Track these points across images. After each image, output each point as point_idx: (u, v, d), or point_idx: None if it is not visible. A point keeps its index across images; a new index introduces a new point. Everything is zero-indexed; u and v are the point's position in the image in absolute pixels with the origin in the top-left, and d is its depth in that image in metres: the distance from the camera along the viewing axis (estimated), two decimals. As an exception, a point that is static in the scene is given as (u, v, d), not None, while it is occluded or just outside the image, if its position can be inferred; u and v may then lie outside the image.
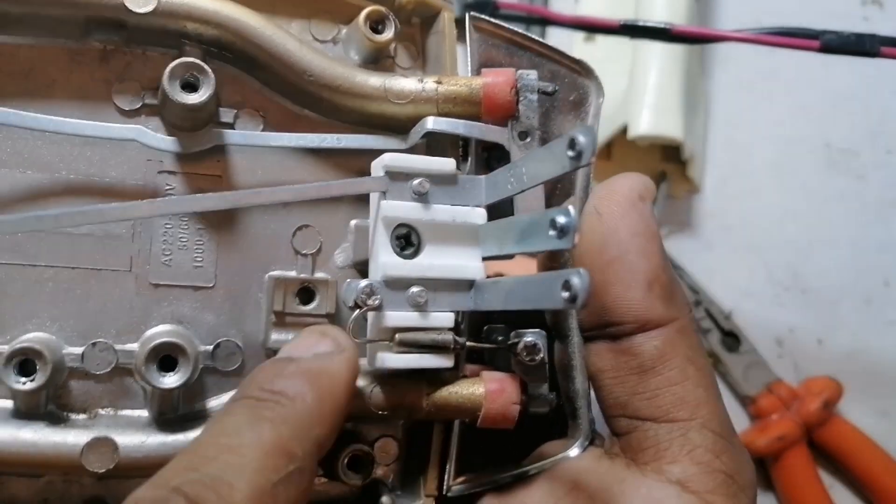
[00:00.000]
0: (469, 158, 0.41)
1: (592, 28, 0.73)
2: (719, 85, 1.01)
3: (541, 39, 0.43)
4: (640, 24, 0.68)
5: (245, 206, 0.38)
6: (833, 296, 0.96)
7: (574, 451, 0.42)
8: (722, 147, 0.99)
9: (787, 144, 1.00)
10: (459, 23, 0.44)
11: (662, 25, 0.68)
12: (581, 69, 0.44)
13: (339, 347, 0.37)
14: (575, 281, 0.31)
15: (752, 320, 0.93)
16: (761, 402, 0.89)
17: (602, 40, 0.98)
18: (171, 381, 0.36)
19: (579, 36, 0.97)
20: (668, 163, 0.95)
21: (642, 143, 0.90)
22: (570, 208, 0.32)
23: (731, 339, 0.91)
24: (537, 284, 0.35)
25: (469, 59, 0.42)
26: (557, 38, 0.96)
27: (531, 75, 0.40)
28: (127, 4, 0.36)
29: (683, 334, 0.41)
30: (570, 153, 0.32)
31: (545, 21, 0.77)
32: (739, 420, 0.92)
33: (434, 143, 0.41)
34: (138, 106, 0.38)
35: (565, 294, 0.31)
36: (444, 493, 0.42)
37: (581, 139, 0.31)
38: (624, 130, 0.89)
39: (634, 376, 0.41)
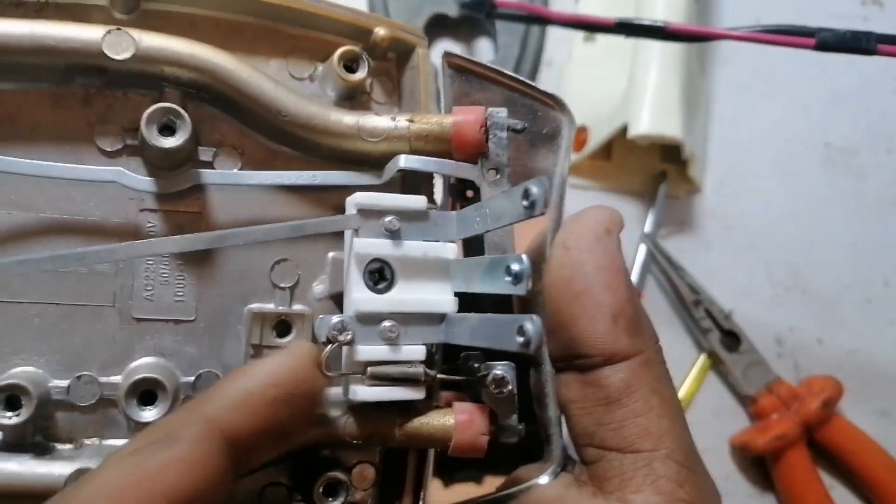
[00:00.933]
0: (441, 195, 0.43)
1: (589, 26, 0.74)
2: (719, 85, 1.02)
3: (513, 74, 0.44)
4: (636, 22, 0.70)
5: (221, 245, 0.40)
6: (833, 295, 0.97)
7: (545, 479, 0.43)
8: (722, 147, 1.00)
9: (787, 144, 1.00)
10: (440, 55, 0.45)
11: (658, 24, 0.69)
12: (553, 103, 0.45)
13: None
14: (528, 327, 0.32)
15: (752, 320, 0.94)
16: (761, 402, 0.90)
17: (602, 40, 0.99)
18: (150, 414, 0.38)
19: (579, 36, 0.99)
20: (667, 162, 0.96)
21: (642, 142, 0.90)
22: (524, 256, 0.34)
23: (731, 338, 0.92)
24: (497, 326, 0.36)
25: (443, 95, 0.44)
26: (558, 38, 0.99)
27: (501, 113, 0.41)
28: (106, 52, 0.37)
29: (648, 366, 0.43)
30: (525, 203, 0.33)
31: (542, 20, 0.75)
32: (739, 420, 0.93)
33: (409, 177, 0.43)
34: (119, 147, 0.40)
35: (520, 339, 0.33)
36: None
37: (534, 190, 0.33)
38: (624, 130, 0.89)
39: (601, 408, 0.42)
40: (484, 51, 1.01)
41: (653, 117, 0.88)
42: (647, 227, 0.96)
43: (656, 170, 0.98)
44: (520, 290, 0.34)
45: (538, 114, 0.44)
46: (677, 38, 0.71)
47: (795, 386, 0.91)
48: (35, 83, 0.39)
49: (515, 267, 0.34)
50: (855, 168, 1.00)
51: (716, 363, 0.94)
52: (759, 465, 0.92)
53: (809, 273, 0.97)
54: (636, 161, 0.98)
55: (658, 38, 0.71)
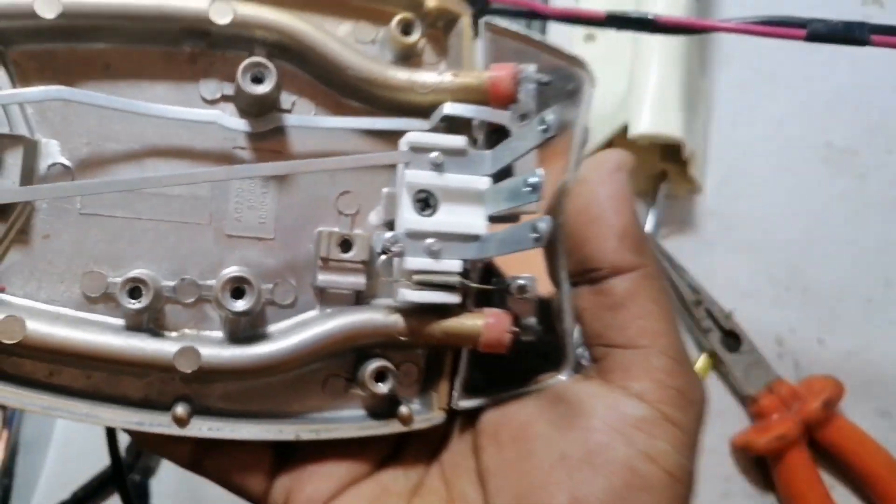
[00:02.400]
0: (479, 137, 0.64)
1: (578, 20, 0.84)
2: (720, 84, 1.21)
3: (542, 39, 0.64)
4: (626, 15, 0.80)
5: (294, 172, 0.62)
6: (834, 295, 1.15)
7: (561, 378, 0.64)
8: (722, 147, 1.19)
9: (788, 144, 1.20)
10: (477, 20, 0.66)
11: (648, 16, 0.79)
12: (576, 63, 0.65)
13: None
14: (541, 225, 0.52)
15: (752, 320, 1.12)
16: (762, 402, 1.07)
17: (602, 40, 1.17)
18: (240, 305, 0.59)
19: (579, 36, 1.18)
20: (668, 162, 1.14)
21: (642, 142, 1.06)
22: (538, 170, 0.54)
23: (732, 338, 1.10)
24: (516, 232, 0.56)
25: (482, 55, 0.64)
26: (559, 37, 1.14)
27: (530, 68, 0.61)
28: (211, 17, 0.59)
29: (648, 279, 0.61)
30: (540, 128, 0.55)
31: (533, 14, 0.85)
32: (740, 420, 1.11)
33: (453, 125, 0.63)
34: (218, 96, 0.61)
35: (534, 235, 0.53)
36: (451, 406, 0.65)
37: (549, 118, 0.54)
38: (624, 130, 1.06)
39: (608, 312, 0.61)
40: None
41: (653, 117, 1.05)
42: (648, 227, 1.14)
43: (657, 169, 1.15)
44: (535, 196, 0.54)
45: (563, 73, 0.64)
46: (668, 31, 0.81)
47: (796, 386, 1.08)
48: (153, 44, 0.61)
49: (532, 179, 0.54)
50: (855, 168, 1.19)
51: (716, 363, 1.11)
52: (759, 465, 1.09)
53: (810, 273, 1.15)
54: (637, 160, 1.12)
55: (648, 31, 0.81)
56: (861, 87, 1.21)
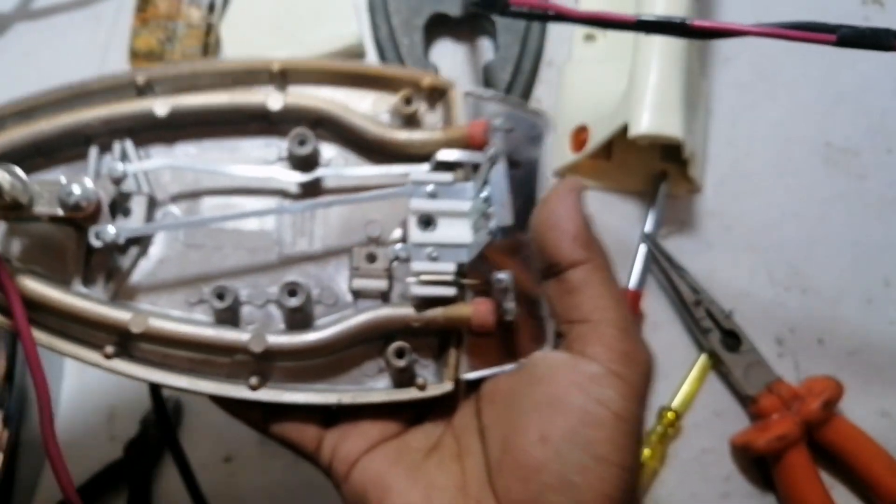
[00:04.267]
0: (462, 172, 1.12)
1: (606, 23, 1.06)
2: (720, 84, 1.53)
3: (512, 97, 1.27)
4: (656, 19, 1.02)
5: (329, 205, 1.12)
6: (834, 295, 1.45)
7: (539, 354, 1.02)
8: (722, 146, 1.50)
9: (788, 144, 1.51)
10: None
11: (680, 20, 1.00)
12: (537, 115, 1.12)
13: None
14: (491, 225, 0.96)
15: (752, 320, 1.42)
16: (762, 402, 1.35)
17: (602, 40, 1.48)
18: (293, 302, 1.03)
19: (579, 36, 1.51)
20: (668, 162, 1.43)
21: (642, 142, 1.33)
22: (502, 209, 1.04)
23: (732, 338, 1.39)
24: (479, 234, 1.04)
25: (466, 114, 1.13)
26: (558, 38, 1.55)
27: (497, 121, 1.02)
28: (267, 106, 1.10)
29: (598, 269, 0.96)
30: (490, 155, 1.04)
31: (558, 17, 1.08)
32: (740, 420, 1.41)
33: (447, 165, 1.09)
34: (276, 157, 1.14)
35: (488, 232, 0.98)
36: (458, 377, 1.06)
37: (493, 225, 0.98)
38: (624, 130, 1.32)
39: (568, 296, 0.97)
40: (484, 50, 1.59)
41: (653, 117, 1.32)
42: (648, 227, 1.44)
43: (657, 169, 1.45)
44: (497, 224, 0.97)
45: (528, 122, 1.11)
46: (701, 35, 1.02)
47: (796, 386, 1.36)
48: (229, 125, 1.15)
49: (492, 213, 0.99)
50: (856, 168, 1.49)
51: (716, 363, 1.40)
52: (759, 465, 1.37)
53: (810, 273, 1.45)
54: (636, 161, 1.45)
55: (681, 35, 1.04)
56: (861, 88, 1.49)
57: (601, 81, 1.46)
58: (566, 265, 0.97)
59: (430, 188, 1.05)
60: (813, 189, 1.48)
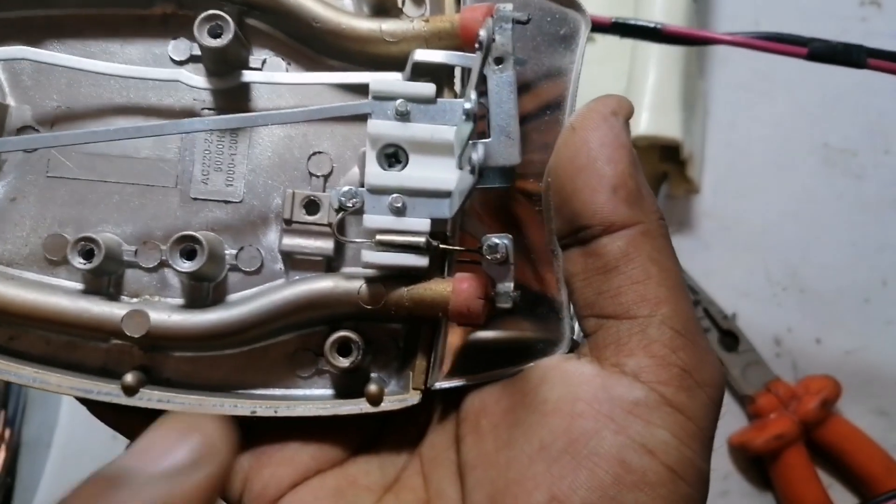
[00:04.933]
0: (457, 84, 0.68)
1: None
2: (718, 85, 1.40)
3: None
4: (632, 22, 0.93)
5: (252, 125, 0.67)
6: (831, 295, 1.31)
7: (549, 361, 0.62)
8: (720, 147, 1.35)
9: (786, 144, 1.35)
10: None
11: (654, 25, 0.93)
12: (571, 4, 0.68)
13: (204, 455, 0.52)
14: (473, 156, 0.56)
15: (750, 320, 1.30)
16: (760, 402, 1.24)
17: (601, 41, 1.31)
18: (186, 266, 0.63)
19: None
20: (666, 163, 1.31)
21: (641, 143, 1.21)
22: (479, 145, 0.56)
23: (730, 338, 1.28)
24: (462, 174, 0.60)
25: (465, 2, 0.66)
26: None
27: (506, 7, 0.63)
28: None
29: (648, 236, 0.59)
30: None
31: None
32: (738, 419, 1.26)
33: (437, 77, 0.67)
34: (186, 57, 0.69)
35: (468, 167, 0.57)
36: (428, 386, 0.65)
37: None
38: None
39: (600, 276, 0.59)
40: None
41: (651, 118, 1.22)
42: None
43: (656, 170, 1.31)
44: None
45: (556, 15, 0.68)
46: (674, 41, 0.95)
47: (794, 385, 1.25)
48: (125, 6, 0.69)
49: (467, 106, 0.59)
50: (853, 168, 1.36)
51: None
52: (757, 464, 1.24)
53: (808, 273, 1.32)
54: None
55: (654, 40, 0.94)
56: (859, 89, 1.37)
57: (600, 82, 1.34)
58: (601, 228, 0.60)
59: (399, 105, 0.65)
60: (811, 189, 1.36)
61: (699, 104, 1.34)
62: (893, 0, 1.43)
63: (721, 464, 1.28)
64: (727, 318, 1.29)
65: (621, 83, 1.29)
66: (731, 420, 1.29)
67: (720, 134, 1.39)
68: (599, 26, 0.94)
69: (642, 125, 1.22)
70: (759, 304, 1.33)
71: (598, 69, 1.34)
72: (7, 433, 1.22)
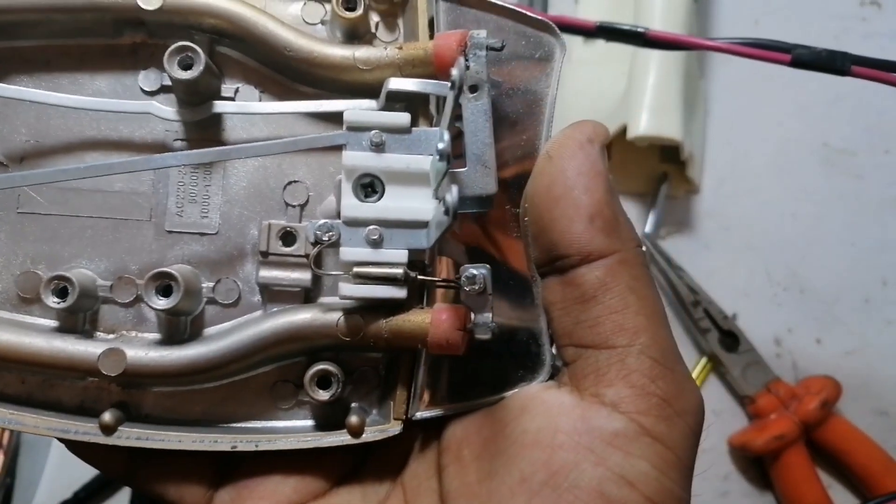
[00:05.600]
0: (433, 109, 0.67)
1: (568, 29, 0.93)
2: (718, 85, 1.40)
3: (504, 4, 0.67)
4: (616, 26, 0.94)
5: (226, 159, 0.66)
6: (831, 295, 1.31)
7: (531, 385, 0.64)
8: (720, 147, 1.35)
9: (786, 144, 1.34)
10: None
11: (638, 29, 0.93)
12: (546, 28, 0.67)
13: None
14: (447, 198, 0.53)
15: (750, 320, 1.30)
16: (760, 402, 1.24)
17: (601, 42, 1.24)
18: (163, 303, 0.62)
19: (579, 37, 1.35)
20: (667, 163, 1.31)
21: (641, 143, 1.22)
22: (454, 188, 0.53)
23: (730, 338, 1.28)
24: (437, 211, 0.57)
25: (439, 28, 0.66)
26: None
27: (480, 34, 0.63)
28: (139, 4, 0.63)
29: (625, 265, 0.59)
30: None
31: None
32: (738, 419, 1.26)
33: (412, 104, 0.66)
34: (157, 87, 0.67)
35: (443, 209, 0.55)
36: (409, 416, 0.64)
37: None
38: (623, 131, 1.21)
39: (578, 306, 0.59)
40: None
41: (652, 118, 1.21)
42: (648, 228, 1.32)
43: (656, 170, 1.32)
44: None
45: (531, 39, 0.68)
46: (657, 45, 0.96)
47: (794, 386, 1.24)
48: (92, 37, 0.67)
49: (440, 146, 0.58)
50: (853, 168, 1.35)
51: (715, 364, 1.28)
52: (757, 464, 1.24)
53: (808, 273, 1.32)
54: (636, 162, 1.33)
55: (637, 44, 0.94)
56: (858, 89, 1.24)
57: (600, 83, 1.37)
58: (578, 258, 0.61)
59: (373, 136, 0.64)
60: (811, 190, 1.35)
61: (699, 104, 1.33)
62: (893, 0, 1.41)
63: (721, 464, 1.28)
64: (727, 319, 1.28)
65: (622, 83, 1.29)
66: (732, 420, 1.29)
67: (720, 134, 1.38)
68: (584, 30, 0.95)
69: (642, 125, 1.22)
70: (760, 305, 1.32)
71: (599, 70, 1.37)
72: (7, 434, 1.20)
